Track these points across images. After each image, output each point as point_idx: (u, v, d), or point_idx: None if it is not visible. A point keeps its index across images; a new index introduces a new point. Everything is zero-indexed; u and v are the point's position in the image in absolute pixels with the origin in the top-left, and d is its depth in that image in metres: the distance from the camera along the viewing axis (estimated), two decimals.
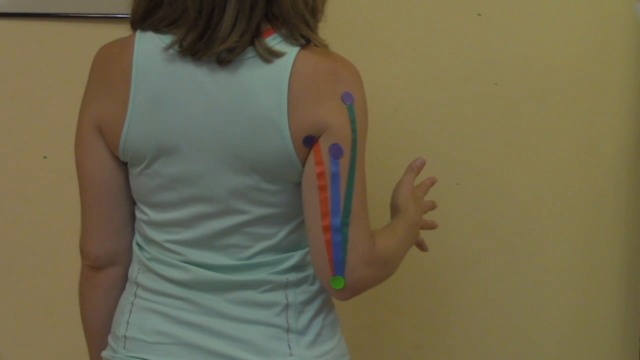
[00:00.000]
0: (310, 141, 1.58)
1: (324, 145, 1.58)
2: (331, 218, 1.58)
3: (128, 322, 1.68)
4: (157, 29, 1.61)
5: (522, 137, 2.45)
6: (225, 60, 1.56)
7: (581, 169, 2.48)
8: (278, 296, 1.65)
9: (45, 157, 2.41)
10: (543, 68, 2.42)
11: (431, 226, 1.93)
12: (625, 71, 2.43)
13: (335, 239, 1.58)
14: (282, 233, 1.65)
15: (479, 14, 2.40)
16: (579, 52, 2.42)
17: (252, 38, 1.57)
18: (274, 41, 1.58)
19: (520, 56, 2.42)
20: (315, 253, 1.61)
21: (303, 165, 1.59)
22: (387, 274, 1.66)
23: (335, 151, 1.57)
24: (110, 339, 1.72)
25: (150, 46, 1.60)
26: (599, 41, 2.42)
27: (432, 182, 1.92)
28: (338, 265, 1.59)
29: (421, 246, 1.91)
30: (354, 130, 1.58)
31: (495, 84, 2.43)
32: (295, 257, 1.66)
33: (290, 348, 1.64)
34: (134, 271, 1.71)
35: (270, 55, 1.57)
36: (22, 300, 2.46)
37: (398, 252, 1.69)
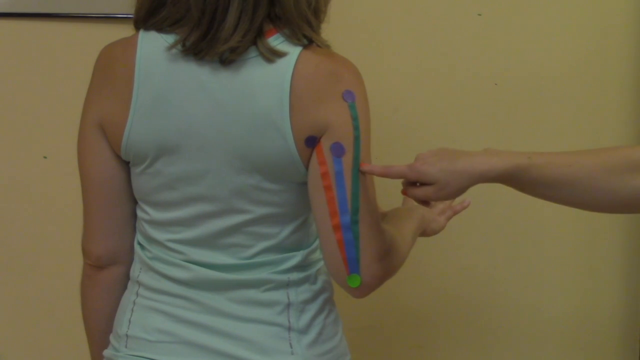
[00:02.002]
0: (312, 141, 1.58)
1: (325, 145, 1.58)
2: (340, 217, 1.58)
3: (130, 321, 1.68)
4: (160, 29, 1.61)
5: (522, 137, 2.45)
6: (228, 60, 1.57)
7: None
8: (279, 295, 1.65)
9: (45, 157, 2.41)
10: (543, 68, 2.42)
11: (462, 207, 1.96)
12: (625, 71, 2.43)
13: (346, 237, 1.58)
14: (284, 233, 1.65)
15: (479, 14, 2.40)
16: (579, 52, 2.42)
17: (255, 38, 1.57)
18: (276, 41, 1.58)
19: (520, 56, 2.42)
20: (328, 254, 1.61)
21: (305, 165, 1.60)
22: (398, 266, 1.66)
23: (337, 150, 1.58)
24: (112, 337, 1.73)
25: (154, 46, 1.61)
26: (598, 41, 2.42)
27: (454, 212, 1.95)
28: (352, 264, 1.59)
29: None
30: (356, 128, 1.58)
31: (495, 84, 2.43)
32: (297, 257, 1.66)
33: (291, 347, 1.64)
34: (135, 270, 1.71)
35: (273, 55, 1.57)
36: (22, 300, 2.46)
37: (408, 243, 1.70)
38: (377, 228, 1.60)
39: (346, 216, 1.58)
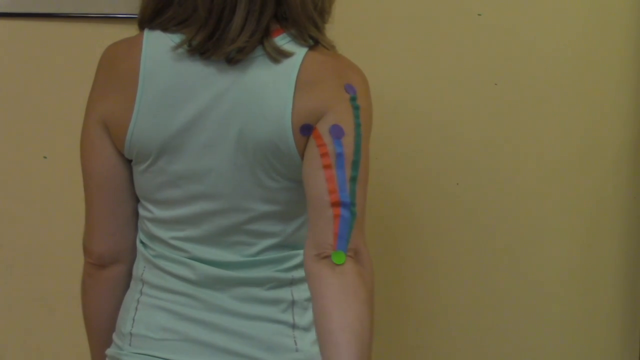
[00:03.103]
0: (307, 129, 1.58)
1: (323, 128, 1.57)
2: (340, 194, 1.56)
3: (134, 319, 1.68)
4: (165, 29, 1.61)
5: (522, 137, 2.45)
6: (235, 59, 1.57)
7: (581, 169, 2.48)
8: (283, 293, 1.65)
9: (45, 157, 2.41)
10: (543, 68, 2.43)
11: None
12: (625, 71, 2.43)
13: (344, 214, 1.56)
14: (288, 231, 1.65)
15: (479, 14, 2.41)
16: (579, 52, 2.43)
17: (262, 38, 1.57)
18: (282, 41, 1.59)
19: (520, 56, 2.42)
20: (317, 228, 1.57)
21: (301, 157, 1.59)
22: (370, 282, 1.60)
23: (337, 132, 1.57)
24: (115, 336, 1.72)
25: (159, 45, 1.61)
26: (599, 41, 2.42)
27: None
28: (342, 241, 1.55)
29: None
30: (357, 117, 1.58)
31: (495, 84, 2.43)
32: (301, 255, 1.65)
33: (296, 344, 1.64)
34: (139, 269, 1.71)
35: (279, 55, 1.57)
36: (22, 300, 2.46)
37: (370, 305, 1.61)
38: (362, 227, 1.58)
39: (345, 194, 1.57)
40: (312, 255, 1.57)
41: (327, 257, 1.56)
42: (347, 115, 1.58)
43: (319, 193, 1.57)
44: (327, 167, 1.57)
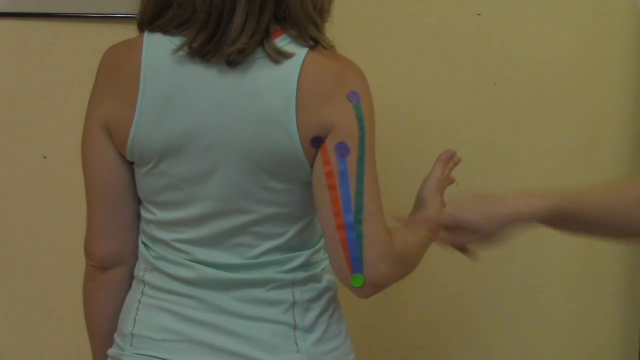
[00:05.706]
0: (317, 142, 1.59)
1: (330, 145, 1.59)
2: (344, 216, 1.59)
3: (135, 320, 1.69)
4: (166, 31, 1.62)
5: (522, 136, 2.45)
6: (235, 61, 1.57)
7: (581, 168, 2.48)
8: (285, 294, 1.66)
9: (45, 157, 2.41)
10: (543, 68, 2.43)
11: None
12: (625, 70, 2.44)
13: (349, 237, 1.59)
14: (291, 233, 1.66)
15: (479, 14, 2.41)
16: (579, 51, 2.43)
17: (262, 39, 1.58)
18: (283, 42, 1.59)
19: (520, 56, 2.42)
20: (332, 253, 1.62)
21: (311, 166, 1.60)
22: (407, 270, 1.67)
23: (342, 150, 1.58)
24: (117, 337, 1.73)
25: (160, 47, 1.61)
26: (599, 41, 2.42)
27: (454, 160, 1.91)
28: (355, 263, 1.60)
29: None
30: (361, 128, 1.59)
31: (495, 84, 2.43)
32: (303, 257, 1.67)
33: (297, 345, 1.65)
34: (140, 270, 1.71)
35: (280, 57, 1.57)
36: (22, 300, 2.46)
37: (418, 248, 1.70)
38: (381, 227, 1.61)
39: (350, 215, 1.59)
40: (337, 278, 1.66)
41: (349, 284, 1.62)
42: (352, 130, 1.59)
43: (327, 215, 1.60)
44: (331, 187, 1.59)
